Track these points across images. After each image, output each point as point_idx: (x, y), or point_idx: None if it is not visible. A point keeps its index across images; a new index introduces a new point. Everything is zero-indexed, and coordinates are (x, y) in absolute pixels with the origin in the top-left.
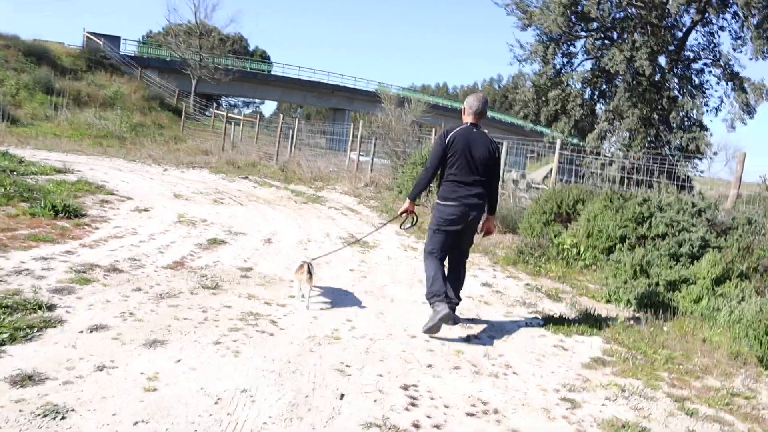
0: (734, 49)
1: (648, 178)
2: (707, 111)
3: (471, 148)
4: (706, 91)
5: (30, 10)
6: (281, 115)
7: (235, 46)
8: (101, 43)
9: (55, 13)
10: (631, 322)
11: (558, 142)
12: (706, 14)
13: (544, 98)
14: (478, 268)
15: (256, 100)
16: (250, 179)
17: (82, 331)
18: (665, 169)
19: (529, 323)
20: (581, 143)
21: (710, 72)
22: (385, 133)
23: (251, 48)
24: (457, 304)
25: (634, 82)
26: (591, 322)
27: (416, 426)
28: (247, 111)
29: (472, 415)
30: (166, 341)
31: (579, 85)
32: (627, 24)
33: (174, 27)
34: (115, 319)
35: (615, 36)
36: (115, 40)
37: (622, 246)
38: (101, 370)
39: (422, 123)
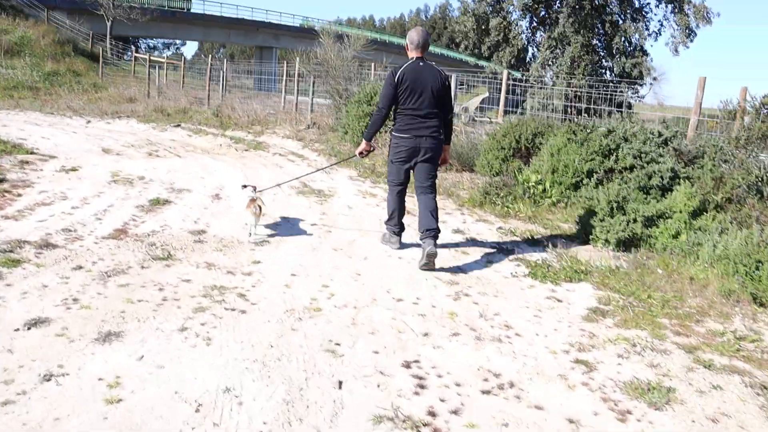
0: None
1: (591, 106)
2: (648, 35)
3: (421, 81)
4: (647, 15)
5: None
6: (209, 56)
7: None
8: None
9: None
10: (615, 263)
11: (504, 73)
12: None
13: (484, 27)
14: (445, 213)
15: (177, 41)
16: (183, 127)
17: (17, 329)
18: (607, 97)
19: (513, 272)
20: (523, 74)
21: None
22: (325, 70)
23: None
24: (438, 234)
25: (577, 7)
26: (575, 266)
27: (432, 414)
28: (167, 53)
29: (488, 392)
30: (123, 332)
31: (519, 13)
32: None
33: None
34: (57, 309)
35: None
36: None
37: (589, 181)
38: (49, 380)
39: (363, 59)
